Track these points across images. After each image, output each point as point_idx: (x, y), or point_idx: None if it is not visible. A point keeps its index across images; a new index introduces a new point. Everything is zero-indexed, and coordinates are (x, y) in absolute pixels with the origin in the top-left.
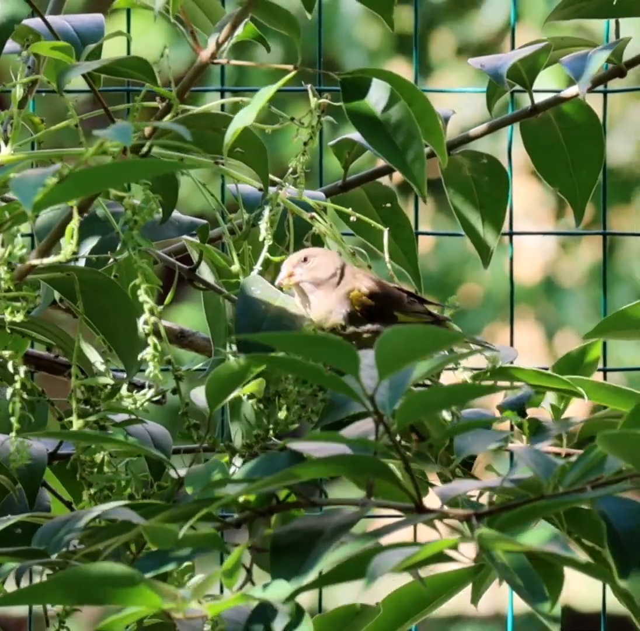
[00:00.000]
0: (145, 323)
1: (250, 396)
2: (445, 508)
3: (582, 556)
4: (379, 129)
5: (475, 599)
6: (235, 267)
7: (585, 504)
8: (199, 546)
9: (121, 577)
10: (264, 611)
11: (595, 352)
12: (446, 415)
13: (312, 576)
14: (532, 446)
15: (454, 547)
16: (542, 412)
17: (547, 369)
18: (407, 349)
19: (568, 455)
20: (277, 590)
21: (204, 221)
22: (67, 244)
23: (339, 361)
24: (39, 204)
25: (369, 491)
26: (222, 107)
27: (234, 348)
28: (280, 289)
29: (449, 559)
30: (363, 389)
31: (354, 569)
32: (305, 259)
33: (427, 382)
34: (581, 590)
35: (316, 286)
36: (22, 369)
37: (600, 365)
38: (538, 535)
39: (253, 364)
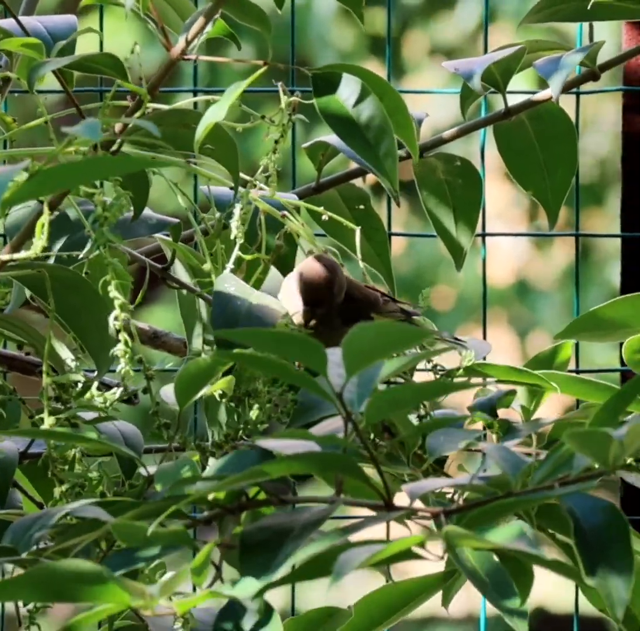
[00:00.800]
0: (116, 318)
1: (222, 395)
2: (415, 505)
3: (550, 554)
4: (350, 125)
5: (445, 602)
6: (207, 265)
7: (554, 501)
8: (168, 543)
9: (90, 574)
10: (234, 609)
11: (566, 352)
12: (413, 417)
13: (281, 573)
14: (501, 444)
15: (422, 544)
16: (512, 413)
17: None
18: (374, 346)
19: (537, 455)
20: (246, 588)
21: (176, 220)
22: (38, 240)
23: (306, 358)
24: (7, 201)
25: (338, 489)
26: (195, 105)
27: (206, 346)
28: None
29: (417, 556)
30: (331, 386)
31: (323, 566)
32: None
33: (400, 380)
34: (553, 591)
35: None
36: None
37: (572, 366)
38: (505, 533)
39: (222, 360)
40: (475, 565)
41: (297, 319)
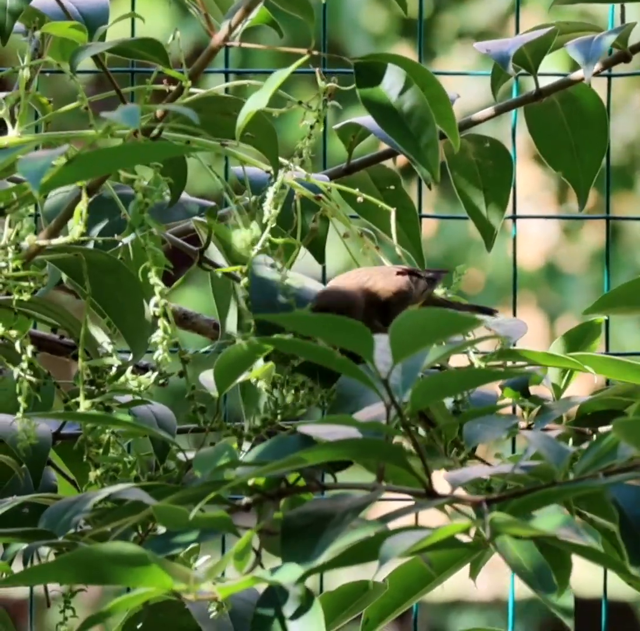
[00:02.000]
0: (156, 305)
1: (260, 379)
2: (457, 493)
3: (594, 543)
4: (392, 115)
5: (473, 573)
6: (246, 244)
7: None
8: (209, 528)
9: (133, 557)
10: (274, 595)
11: (597, 331)
12: (449, 402)
13: (322, 559)
14: (542, 431)
15: (466, 531)
16: (542, 390)
17: None
18: (422, 333)
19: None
20: (288, 573)
21: (212, 203)
22: (76, 225)
23: (353, 343)
24: (46, 185)
25: (379, 475)
26: (226, 89)
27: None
28: None
29: (460, 544)
30: (377, 372)
31: (366, 552)
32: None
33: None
34: (581, 575)
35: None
36: (30, 349)
37: (602, 350)
38: (550, 521)
39: (263, 346)
40: (520, 557)
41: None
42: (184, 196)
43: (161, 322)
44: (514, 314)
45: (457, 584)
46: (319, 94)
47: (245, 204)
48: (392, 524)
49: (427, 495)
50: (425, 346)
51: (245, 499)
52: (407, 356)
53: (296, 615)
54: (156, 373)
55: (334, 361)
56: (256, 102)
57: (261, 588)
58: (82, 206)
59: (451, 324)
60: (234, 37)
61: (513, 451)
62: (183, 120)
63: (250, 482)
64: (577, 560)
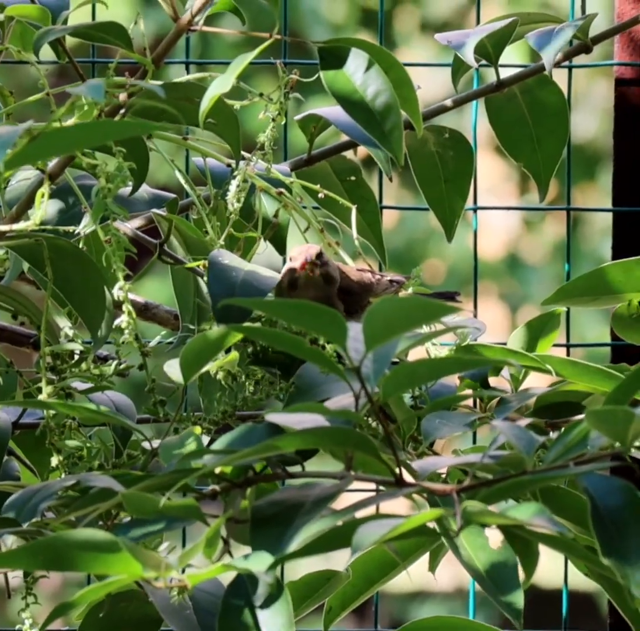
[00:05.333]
0: (120, 289)
1: (220, 370)
2: (426, 482)
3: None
4: (356, 99)
5: (432, 567)
6: (209, 236)
7: (560, 482)
8: (177, 516)
9: (103, 543)
10: (243, 584)
11: (556, 321)
12: (406, 397)
13: (292, 547)
14: (512, 422)
15: (438, 520)
16: (501, 381)
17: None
18: (396, 321)
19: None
20: (259, 561)
21: (173, 195)
22: (37, 210)
23: (326, 330)
24: (9, 162)
25: (348, 464)
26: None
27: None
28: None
29: (431, 532)
30: (350, 360)
31: (338, 540)
32: (320, 255)
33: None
34: (543, 567)
35: (326, 283)
36: None
37: (563, 341)
38: (524, 510)
39: (229, 334)
40: (472, 555)
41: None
42: (144, 187)
43: (125, 306)
44: (475, 304)
45: (419, 575)
46: (280, 86)
47: (206, 195)
48: (357, 514)
49: (397, 484)
50: (398, 334)
51: (212, 487)
52: (380, 344)
53: (265, 604)
54: (116, 362)
55: (303, 350)
56: (219, 86)
57: (226, 580)
58: (44, 190)
59: (425, 311)
60: (198, 22)
61: (474, 442)
62: (146, 106)
63: (217, 470)
64: (540, 552)
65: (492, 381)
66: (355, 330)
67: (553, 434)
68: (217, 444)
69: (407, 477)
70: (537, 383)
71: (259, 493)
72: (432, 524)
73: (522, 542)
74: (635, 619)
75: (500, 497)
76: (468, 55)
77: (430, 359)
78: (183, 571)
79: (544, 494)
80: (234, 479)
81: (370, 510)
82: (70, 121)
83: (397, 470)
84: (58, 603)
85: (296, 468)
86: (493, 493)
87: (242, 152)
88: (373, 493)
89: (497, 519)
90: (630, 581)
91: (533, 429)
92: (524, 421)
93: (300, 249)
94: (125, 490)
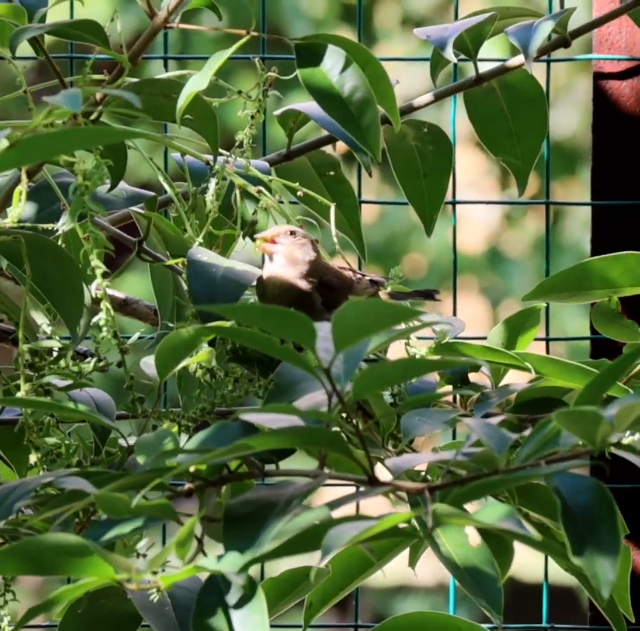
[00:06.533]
0: (98, 287)
1: (199, 367)
2: (398, 481)
3: (535, 533)
4: (333, 96)
5: (412, 563)
6: (188, 234)
7: (538, 479)
8: (151, 515)
9: (75, 547)
10: (216, 584)
11: (536, 317)
12: (386, 394)
13: (265, 547)
14: (484, 419)
15: (409, 521)
16: (481, 377)
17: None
18: (365, 323)
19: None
20: (231, 562)
21: (151, 193)
22: (15, 208)
23: (295, 333)
24: None
25: (321, 463)
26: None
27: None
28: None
29: (403, 533)
30: (319, 361)
31: (310, 540)
32: (292, 233)
33: (372, 356)
34: (524, 562)
35: (289, 262)
36: None
37: (543, 334)
38: (493, 512)
39: (205, 333)
40: (452, 552)
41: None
42: (123, 185)
43: (104, 304)
44: (455, 299)
45: (400, 570)
46: (258, 84)
47: (184, 191)
48: (335, 513)
49: (370, 483)
50: (367, 336)
51: (187, 486)
52: (350, 346)
53: (239, 604)
54: (95, 359)
55: (275, 349)
56: (196, 83)
57: (204, 575)
58: (21, 188)
59: (393, 314)
60: (175, 19)
61: (454, 438)
62: (123, 103)
63: (191, 469)
64: (519, 546)
65: (472, 376)
66: (325, 331)
67: (528, 432)
68: (192, 443)
69: (383, 475)
70: (517, 378)
71: (235, 490)
72: (407, 524)
73: (496, 540)
74: (613, 613)
75: (473, 496)
76: (447, 50)
77: (403, 360)
78: (163, 568)
79: (521, 491)
80: (209, 478)
81: (350, 508)
82: (48, 120)
83: (369, 469)
84: (39, 599)
85: (272, 466)
86: (465, 493)
87: (221, 150)
88: (352, 490)
89: (466, 521)
90: (600, 581)
91: (507, 426)
92: (497, 419)
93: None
94: (97, 491)
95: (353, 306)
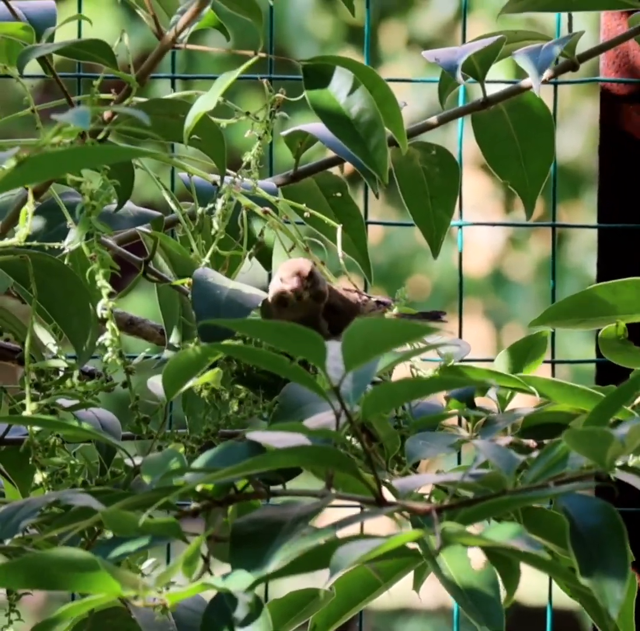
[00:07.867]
0: (104, 307)
1: (205, 387)
2: (406, 501)
3: (544, 553)
4: (340, 118)
5: (417, 586)
6: (195, 254)
7: (543, 504)
8: (157, 534)
9: (82, 562)
10: (223, 602)
11: (543, 344)
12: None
13: (272, 567)
14: (493, 441)
15: (417, 540)
16: (488, 401)
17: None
18: (375, 341)
19: (514, 444)
20: (238, 581)
21: (158, 213)
22: (22, 227)
23: (305, 350)
24: None
25: (328, 483)
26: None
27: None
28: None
29: (411, 553)
30: (328, 380)
31: (318, 560)
32: (311, 275)
33: (377, 379)
34: (527, 584)
35: (315, 300)
36: None
37: (548, 357)
38: (501, 531)
39: (212, 352)
40: (453, 575)
41: (289, 288)
42: (129, 204)
43: (109, 324)
44: (460, 321)
45: (403, 592)
46: (266, 105)
47: (191, 211)
48: (339, 532)
49: (377, 503)
50: (377, 355)
51: (194, 505)
52: (360, 365)
53: (245, 622)
54: (102, 379)
55: (284, 369)
56: (204, 104)
57: (209, 595)
58: (28, 208)
59: (403, 332)
60: (183, 39)
61: (459, 462)
62: (131, 122)
63: (198, 488)
64: (523, 568)
65: (479, 401)
66: (334, 350)
67: (536, 454)
68: (198, 462)
69: (389, 496)
70: (524, 403)
71: (241, 511)
72: (414, 545)
73: (503, 561)
74: None
75: (480, 517)
76: (456, 73)
77: (411, 379)
78: (168, 587)
79: (527, 516)
80: (215, 497)
81: (354, 529)
82: (56, 139)
83: (376, 489)
84: (42, 619)
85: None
86: (472, 513)
87: (228, 170)
88: (357, 510)
89: (475, 540)
90: (608, 601)
91: (515, 448)
92: (505, 440)
93: (291, 267)
94: (104, 508)
95: (363, 324)
